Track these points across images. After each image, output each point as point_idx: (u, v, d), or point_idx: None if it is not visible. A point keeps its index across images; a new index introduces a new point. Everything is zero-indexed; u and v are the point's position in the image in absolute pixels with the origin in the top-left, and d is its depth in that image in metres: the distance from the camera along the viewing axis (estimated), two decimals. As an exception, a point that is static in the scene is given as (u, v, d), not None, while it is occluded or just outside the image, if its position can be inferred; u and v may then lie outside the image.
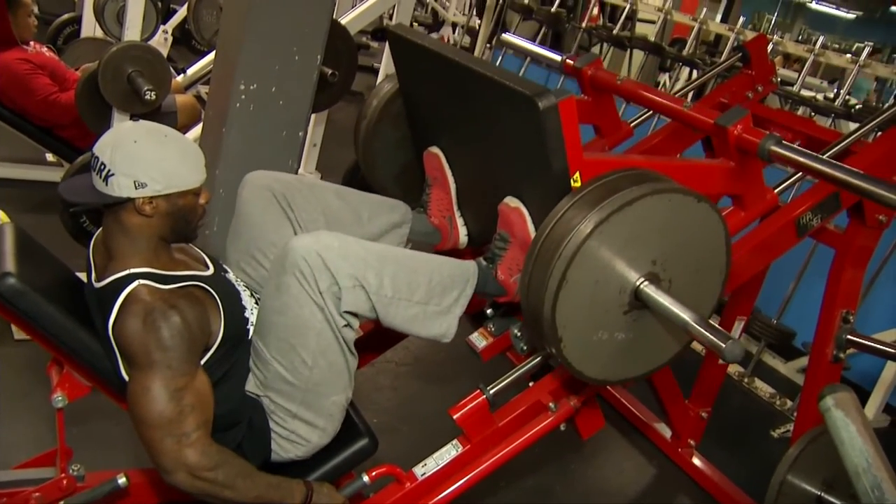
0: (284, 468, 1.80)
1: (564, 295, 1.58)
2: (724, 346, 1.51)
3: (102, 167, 1.55)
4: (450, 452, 1.91)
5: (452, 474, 1.90)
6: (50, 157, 4.01)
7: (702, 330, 1.55)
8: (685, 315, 1.57)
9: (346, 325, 1.69)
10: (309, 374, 1.69)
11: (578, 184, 1.71)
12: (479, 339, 2.22)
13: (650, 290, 1.63)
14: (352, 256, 1.67)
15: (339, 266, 1.64)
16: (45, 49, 3.73)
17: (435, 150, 2.13)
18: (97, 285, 1.62)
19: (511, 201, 1.88)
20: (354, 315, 1.70)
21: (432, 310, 1.79)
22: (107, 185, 1.55)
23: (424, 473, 1.89)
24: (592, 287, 1.61)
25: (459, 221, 2.17)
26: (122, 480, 1.73)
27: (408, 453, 1.98)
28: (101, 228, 1.71)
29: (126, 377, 1.59)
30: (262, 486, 1.65)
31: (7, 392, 2.26)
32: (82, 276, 1.74)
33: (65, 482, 1.76)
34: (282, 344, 1.68)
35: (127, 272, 1.58)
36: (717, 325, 1.57)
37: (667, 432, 2.85)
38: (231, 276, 1.82)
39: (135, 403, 1.54)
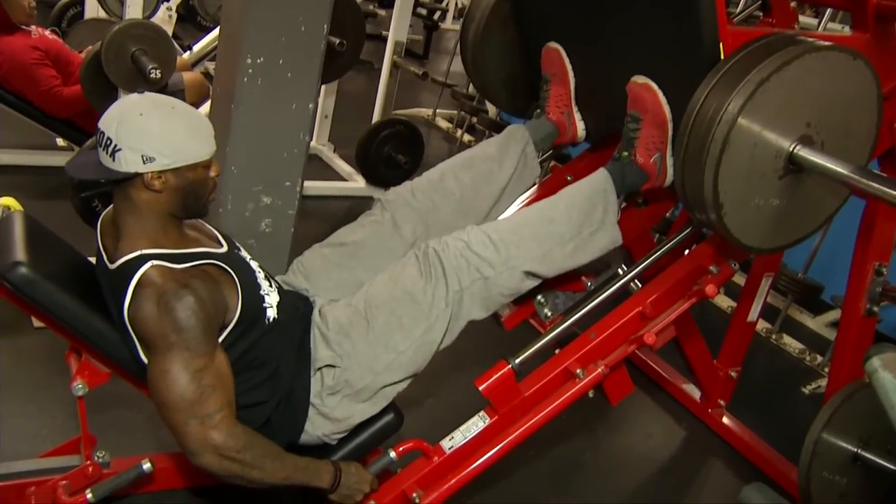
0: (309, 448, 1.78)
1: (726, 160, 1.62)
2: None
3: (109, 142, 1.50)
4: (477, 424, 1.88)
5: (480, 446, 1.87)
6: (60, 141, 3.98)
7: (867, 180, 1.57)
8: (845, 169, 1.60)
9: (462, 328, 1.81)
10: (395, 357, 1.75)
11: (723, 56, 1.71)
12: (501, 308, 2.18)
13: (805, 152, 1.66)
14: (490, 244, 1.78)
15: (481, 258, 1.76)
16: (48, 32, 3.68)
17: (555, 45, 2.13)
18: (110, 267, 1.58)
19: (639, 79, 1.89)
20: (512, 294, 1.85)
21: (586, 234, 1.87)
22: (114, 160, 1.51)
23: (452, 446, 1.86)
24: (751, 151, 1.65)
25: (577, 116, 2.19)
26: (146, 466, 1.71)
27: (433, 428, 1.95)
28: (108, 208, 1.68)
29: (145, 361, 1.56)
30: (289, 466, 1.63)
31: (28, 381, 2.25)
32: (95, 260, 1.71)
33: (90, 469, 1.75)
34: (391, 321, 1.74)
35: (138, 253, 1.54)
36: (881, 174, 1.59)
37: (696, 393, 2.81)
38: (244, 253, 1.78)
39: (156, 387, 1.52)
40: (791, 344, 3.54)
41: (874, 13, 1.91)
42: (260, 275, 1.75)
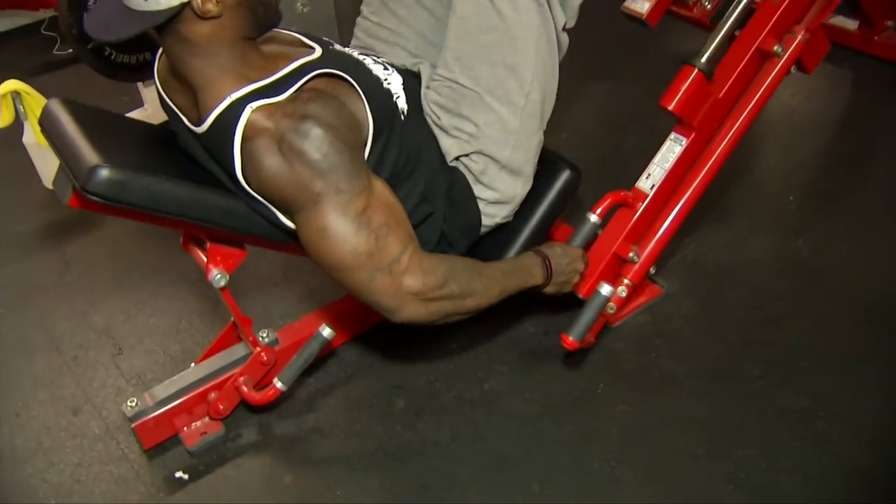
0: (493, 245, 1.50)
1: None
2: None
3: None
4: (673, 150, 1.55)
5: (682, 174, 1.56)
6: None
7: None
8: None
9: (564, 29, 1.39)
10: (524, 103, 1.37)
11: None
12: (638, 3, 1.77)
13: None
14: None
15: None
16: None
17: None
18: (198, 130, 1.21)
19: None
20: None
21: None
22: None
23: (653, 185, 1.56)
24: None
25: None
26: (327, 332, 1.45)
27: (611, 180, 1.64)
28: (158, 58, 1.28)
29: (288, 224, 1.24)
30: (498, 277, 1.34)
31: (141, 277, 1.95)
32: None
33: (264, 354, 1.49)
34: (496, 69, 1.34)
35: (227, 101, 1.17)
36: None
37: (851, 25, 2.36)
38: (339, 46, 1.38)
39: (318, 251, 1.21)
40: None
41: None
42: (367, 60, 1.35)
